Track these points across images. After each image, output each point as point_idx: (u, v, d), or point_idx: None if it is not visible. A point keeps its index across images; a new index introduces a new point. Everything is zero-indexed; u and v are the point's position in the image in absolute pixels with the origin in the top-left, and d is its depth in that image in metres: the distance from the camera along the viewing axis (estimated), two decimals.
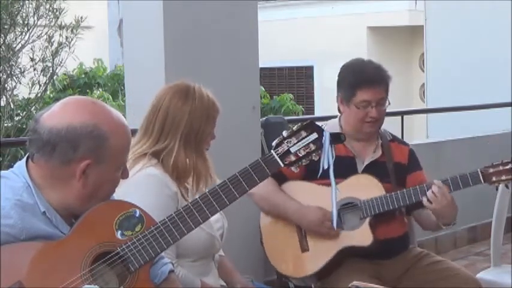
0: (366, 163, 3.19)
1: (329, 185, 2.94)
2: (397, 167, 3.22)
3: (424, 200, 3.00)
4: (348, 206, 3.10)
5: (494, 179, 3.01)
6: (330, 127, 3.14)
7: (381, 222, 3.11)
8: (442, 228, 3.14)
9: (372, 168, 3.17)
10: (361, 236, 3.08)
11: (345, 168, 3.06)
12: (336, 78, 3.23)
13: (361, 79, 3.12)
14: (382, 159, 3.21)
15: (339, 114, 3.27)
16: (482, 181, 3.03)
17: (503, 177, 3.01)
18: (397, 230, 3.20)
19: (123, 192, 2.27)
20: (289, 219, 3.15)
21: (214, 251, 2.62)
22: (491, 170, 3.02)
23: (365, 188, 3.10)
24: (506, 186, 3.13)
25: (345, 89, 3.17)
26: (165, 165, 2.49)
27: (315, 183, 3.09)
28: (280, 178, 3.14)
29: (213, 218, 2.55)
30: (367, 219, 3.08)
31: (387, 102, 3.19)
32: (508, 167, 3.01)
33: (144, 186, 2.42)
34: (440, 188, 2.97)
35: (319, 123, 2.23)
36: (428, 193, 2.99)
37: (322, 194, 3.07)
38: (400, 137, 3.74)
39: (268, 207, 3.21)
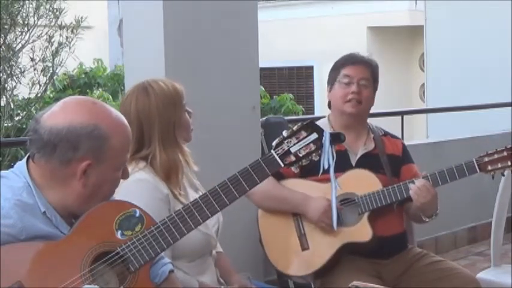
0: (358, 155, 3.20)
1: (324, 181, 2.98)
2: (391, 158, 3.25)
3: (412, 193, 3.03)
4: (345, 202, 3.10)
5: (489, 167, 3.00)
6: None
7: (378, 219, 3.12)
8: (425, 221, 3.15)
9: (366, 160, 3.18)
10: (361, 231, 3.09)
11: (338, 162, 3.06)
12: None
13: (346, 59, 3.26)
14: (375, 151, 3.23)
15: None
16: (478, 170, 3.02)
17: (499, 165, 3.00)
18: (394, 227, 3.19)
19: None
20: (294, 209, 3.15)
21: (210, 249, 2.61)
22: (486, 159, 3.01)
23: (362, 182, 3.11)
24: (502, 174, 3.08)
25: (331, 73, 3.26)
26: (154, 167, 2.48)
27: (311, 180, 3.11)
28: (277, 176, 3.14)
29: None
30: (366, 214, 3.09)
31: (372, 89, 3.23)
32: (503, 154, 2.99)
33: (134, 192, 2.36)
34: (424, 183, 3.01)
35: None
36: (414, 188, 3.01)
37: (319, 190, 3.08)
38: (400, 136, 3.75)
39: (272, 203, 3.19)
